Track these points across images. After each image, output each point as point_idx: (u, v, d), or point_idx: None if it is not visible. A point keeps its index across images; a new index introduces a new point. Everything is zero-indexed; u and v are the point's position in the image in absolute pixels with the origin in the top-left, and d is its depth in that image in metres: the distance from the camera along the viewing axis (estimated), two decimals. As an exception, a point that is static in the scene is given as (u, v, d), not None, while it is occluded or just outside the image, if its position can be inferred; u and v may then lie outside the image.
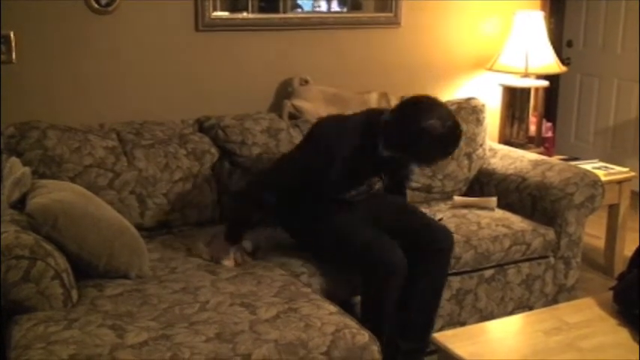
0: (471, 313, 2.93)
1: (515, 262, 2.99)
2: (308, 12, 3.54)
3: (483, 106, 3.52)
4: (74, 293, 2.12)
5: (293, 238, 2.71)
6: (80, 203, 2.30)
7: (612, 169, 3.71)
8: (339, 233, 2.54)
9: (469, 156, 3.42)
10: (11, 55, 2.82)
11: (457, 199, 3.29)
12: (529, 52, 3.72)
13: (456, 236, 2.74)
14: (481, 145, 3.47)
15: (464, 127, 2.82)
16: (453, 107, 3.13)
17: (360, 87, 3.47)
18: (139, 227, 2.58)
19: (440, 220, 2.88)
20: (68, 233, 2.16)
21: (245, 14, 3.32)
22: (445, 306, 2.82)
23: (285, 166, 2.61)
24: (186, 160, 2.84)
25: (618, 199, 3.65)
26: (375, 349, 2.06)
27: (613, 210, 3.69)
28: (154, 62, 3.11)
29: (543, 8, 4.04)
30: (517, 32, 3.77)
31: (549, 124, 4.27)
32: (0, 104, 2.73)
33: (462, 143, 2.73)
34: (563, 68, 3.93)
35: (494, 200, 3.22)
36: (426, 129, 2.39)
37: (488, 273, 2.93)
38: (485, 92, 3.89)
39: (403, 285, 2.49)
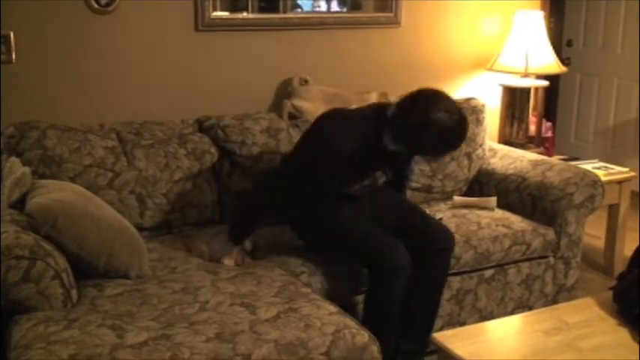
0: (470, 313, 2.93)
1: (515, 262, 3.00)
2: (308, 12, 3.54)
3: (483, 106, 3.52)
4: (74, 293, 2.13)
5: (296, 234, 2.69)
6: (80, 203, 2.30)
7: (612, 169, 3.71)
8: (345, 232, 2.54)
9: (469, 156, 3.42)
10: (11, 55, 2.82)
11: (457, 199, 3.29)
12: (529, 52, 3.72)
13: (456, 236, 2.74)
14: (481, 145, 3.47)
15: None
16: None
17: (360, 87, 3.47)
18: (139, 227, 2.58)
19: (440, 219, 2.88)
20: (68, 233, 2.16)
21: (245, 14, 3.32)
22: (445, 306, 2.82)
23: (292, 170, 2.58)
24: (186, 160, 2.84)
25: (618, 199, 3.65)
26: (375, 349, 2.06)
27: (613, 210, 3.69)
28: (154, 62, 3.11)
29: (543, 8, 4.04)
30: (517, 32, 3.77)
31: (549, 124, 4.27)
32: (0, 104, 2.73)
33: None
34: (563, 68, 3.93)
35: (494, 200, 3.22)
36: (433, 122, 2.37)
37: (488, 273, 2.93)
38: (485, 92, 3.89)
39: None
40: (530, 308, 3.05)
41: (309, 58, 3.44)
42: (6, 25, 2.77)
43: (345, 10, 3.68)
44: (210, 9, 3.15)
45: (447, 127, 2.39)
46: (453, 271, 2.80)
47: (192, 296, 2.18)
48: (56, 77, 2.94)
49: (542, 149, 3.97)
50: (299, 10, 3.52)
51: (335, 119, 2.53)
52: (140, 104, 3.08)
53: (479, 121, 3.47)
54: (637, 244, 2.43)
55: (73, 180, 2.61)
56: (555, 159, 3.57)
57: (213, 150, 2.92)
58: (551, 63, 3.82)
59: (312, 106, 3.25)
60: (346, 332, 2.04)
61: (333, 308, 2.17)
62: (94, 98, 3.02)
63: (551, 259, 3.10)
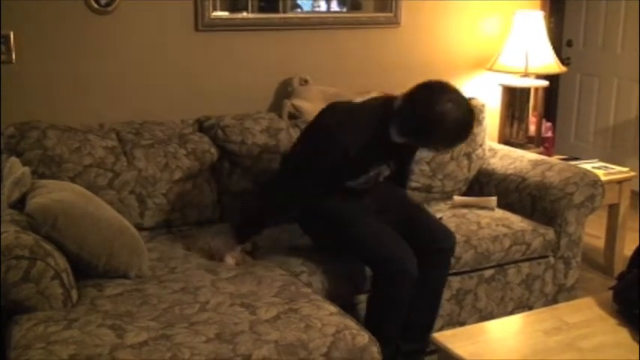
0: (470, 313, 2.93)
1: (515, 261, 2.99)
2: (307, 12, 3.54)
3: (483, 106, 3.52)
4: (74, 293, 2.12)
5: (302, 230, 2.68)
6: (80, 203, 2.30)
7: (612, 168, 3.71)
8: (355, 231, 2.52)
9: (469, 156, 3.42)
10: (11, 55, 2.82)
11: (457, 198, 3.29)
12: (529, 52, 3.71)
13: (456, 236, 2.74)
14: (481, 145, 3.47)
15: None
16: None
17: (360, 87, 3.47)
18: (139, 227, 2.58)
19: (440, 219, 2.88)
20: (68, 233, 2.16)
21: (245, 14, 3.32)
22: (445, 306, 2.82)
23: (294, 165, 2.55)
24: (186, 160, 2.84)
25: (618, 199, 3.65)
26: (375, 350, 2.06)
27: (613, 210, 3.69)
28: (153, 62, 3.11)
29: (543, 8, 4.04)
30: (517, 32, 3.77)
31: (549, 124, 4.27)
32: (0, 104, 2.73)
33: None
34: (563, 68, 3.93)
35: (494, 200, 3.22)
36: (441, 114, 2.34)
37: (488, 273, 2.93)
38: (484, 92, 3.89)
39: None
40: (530, 308, 3.05)
41: (309, 58, 3.44)
42: (6, 25, 2.77)
43: (344, 10, 3.68)
44: (210, 9, 3.15)
45: (454, 119, 2.36)
46: (453, 271, 2.80)
47: (192, 296, 2.18)
48: (56, 77, 2.94)
49: (542, 149, 3.96)
50: (299, 10, 3.52)
51: (340, 114, 2.50)
52: (140, 104, 3.08)
53: (479, 121, 3.46)
54: (637, 244, 2.43)
55: (73, 180, 2.61)
56: (555, 159, 3.57)
57: (213, 150, 2.92)
58: (551, 63, 3.82)
59: (312, 106, 3.25)
60: (347, 333, 2.04)
61: (333, 309, 2.17)
62: (94, 98, 3.02)
63: (551, 259, 3.10)
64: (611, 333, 2.14)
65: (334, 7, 3.66)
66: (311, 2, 3.58)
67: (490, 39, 3.88)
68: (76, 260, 2.19)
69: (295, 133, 3.03)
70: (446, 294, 2.78)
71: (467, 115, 2.41)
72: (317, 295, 2.28)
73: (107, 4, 2.95)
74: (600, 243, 3.89)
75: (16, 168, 2.42)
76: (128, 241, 2.32)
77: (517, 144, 3.86)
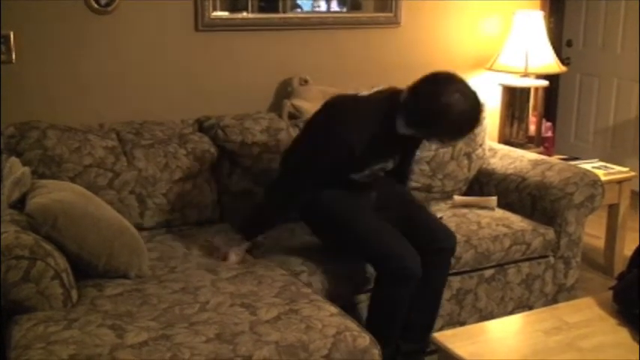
0: (470, 312, 2.93)
1: (515, 261, 3.00)
2: (307, 12, 3.54)
3: (483, 105, 3.51)
4: (74, 293, 2.12)
5: (306, 224, 2.68)
6: (80, 203, 2.30)
7: (612, 168, 3.71)
8: (359, 228, 2.51)
9: (469, 156, 3.42)
10: (11, 55, 2.82)
11: (457, 198, 3.28)
12: (529, 52, 3.71)
13: (457, 236, 2.74)
14: (481, 145, 3.47)
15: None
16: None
17: (360, 87, 3.46)
18: (139, 227, 2.58)
19: (440, 219, 2.88)
20: (68, 233, 2.16)
21: (245, 14, 3.32)
22: (445, 306, 2.82)
23: (301, 171, 2.52)
24: (186, 160, 2.84)
25: (618, 199, 3.65)
26: (376, 352, 2.05)
27: (613, 210, 3.69)
28: (153, 62, 3.11)
29: (543, 8, 4.04)
30: (517, 32, 3.77)
31: (549, 124, 4.27)
32: (0, 104, 2.73)
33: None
34: (563, 68, 3.93)
35: (494, 200, 3.22)
36: (447, 105, 2.33)
37: (488, 273, 2.93)
38: (484, 92, 3.86)
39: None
40: (530, 308, 3.05)
41: (308, 58, 3.44)
42: (6, 25, 2.77)
43: (344, 10, 3.68)
44: (210, 9, 3.15)
45: (461, 110, 2.35)
46: (453, 270, 2.79)
47: (192, 296, 2.18)
48: (56, 77, 2.94)
49: (542, 149, 3.97)
50: (299, 10, 3.52)
51: (345, 108, 2.49)
52: (140, 104, 3.08)
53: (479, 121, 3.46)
54: (637, 244, 2.43)
55: (73, 180, 2.61)
56: (555, 159, 3.57)
57: (213, 150, 2.92)
58: (551, 63, 3.82)
59: (312, 106, 3.24)
60: (347, 335, 2.03)
61: (334, 309, 2.16)
62: (94, 98, 3.02)
63: (551, 259, 3.10)
64: (611, 333, 2.14)
65: (334, 7, 3.66)
66: (311, 2, 3.58)
67: (490, 39, 3.88)
68: (76, 260, 2.19)
69: (295, 133, 3.03)
70: (446, 294, 2.78)
71: (474, 106, 2.40)
72: (317, 296, 2.28)
73: (107, 4, 2.95)
74: (600, 243, 3.89)
75: (16, 168, 2.42)
76: (128, 241, 2.32)
77: (517, 144, 3.86)
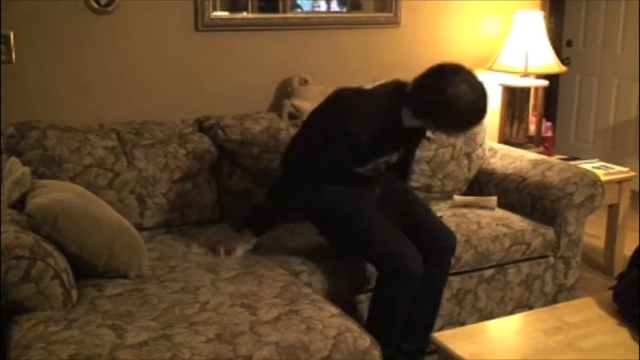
0: (470, 312, 2.93)
1: (515, 261, 3.00)
2: (307, 12, 3.54)
3: (489, 97, 3.50)
4: (74, 293, 2.12)
5: (310, 220, 2.67)
6: (80, 203, 2.30)
7: (612, 168, 3.71)
8: (362, 226, 2.50)
9: (469, 156, 3.42)
10: (11, 55, 2.82)
11: (457, 198, 3.29)
12: (529, 52, 3.71)
13: (457, 236, 2.74)
14: (481, 145, 3.47)
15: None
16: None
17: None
18: (139, 227, 2.58)
19: (440, 218, 2.88)
20: (68, 233, 2.16)
21: (245, 14, 3.32)
22: (445, 306, 2.82)
23: (309, 167, 2.50)
24: (186, 160, 2.84)
25: (618, 199, 3.65)
26: (377, 353, 2.05)
27: (613, 210, 3.69)
28: (153, 62, 3.11)
29: (543, 8, 4.04)
30: (517, 32, 3.77)
31: (549, 124, 4.27)
32: (0, 104, 2.73)
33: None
34: (563, 68, 3.93)
35: (494, 200, 3.22)
36: (453, 96, 2.32)
37: (488, 273, 2.93)
38: (484, 92, 3.88)
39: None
40: (530, 308, 3.05)
41: (308, 58, 3.44)
42: (6, 25, 2.77)
43: (344, 10, 3.68)
44: (210, 9, 3.15)
45: (468, 101, 2.34)
46: (453, 270, 2.79)
47: (192, 296, 2.18)
48: (56, 77, 2.94)
49: (542, 149, 3.97)
50: (299, 10, 3.52)
51: (347, 101, 2.47)
52: (140, 104, 3.08)
53: (479, 121, 3.46)
54: (637, 244, 2.43)
55: (73, 180, 2.61)
56: (555, 159, 3.57)
57: (213, 150, 2.92)
58: (551, 63, 3.82)
59: (312, 106, 3.22)
60: (348, 336, 2.03)
61: (334, 310, 2.16)
62: (94, 98, 3.02)
63: (551, 259, 3.10)
64: (611, 333, 2.14)
65: (334, 7, 3.66)
66: (311, 2, 3.58)
67: (490, 39, 3.88)
68: (76, 260, 2.19)
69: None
70: (446, 294, 2.78)
71: (481, 98, 2.38)
72: (318, 296, 2.28)
73: (107, 4, 2.94)
74: (600, 243, 3.89)
75: (16, 168, 2.42)
76: (128, 241, 2.32)
77: (517, 144, 3.86)
